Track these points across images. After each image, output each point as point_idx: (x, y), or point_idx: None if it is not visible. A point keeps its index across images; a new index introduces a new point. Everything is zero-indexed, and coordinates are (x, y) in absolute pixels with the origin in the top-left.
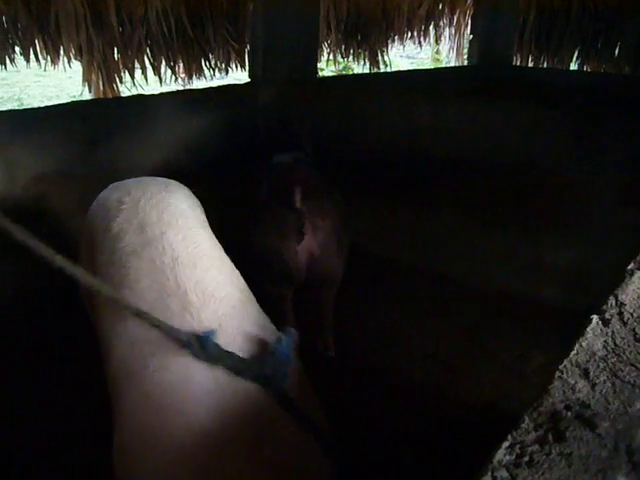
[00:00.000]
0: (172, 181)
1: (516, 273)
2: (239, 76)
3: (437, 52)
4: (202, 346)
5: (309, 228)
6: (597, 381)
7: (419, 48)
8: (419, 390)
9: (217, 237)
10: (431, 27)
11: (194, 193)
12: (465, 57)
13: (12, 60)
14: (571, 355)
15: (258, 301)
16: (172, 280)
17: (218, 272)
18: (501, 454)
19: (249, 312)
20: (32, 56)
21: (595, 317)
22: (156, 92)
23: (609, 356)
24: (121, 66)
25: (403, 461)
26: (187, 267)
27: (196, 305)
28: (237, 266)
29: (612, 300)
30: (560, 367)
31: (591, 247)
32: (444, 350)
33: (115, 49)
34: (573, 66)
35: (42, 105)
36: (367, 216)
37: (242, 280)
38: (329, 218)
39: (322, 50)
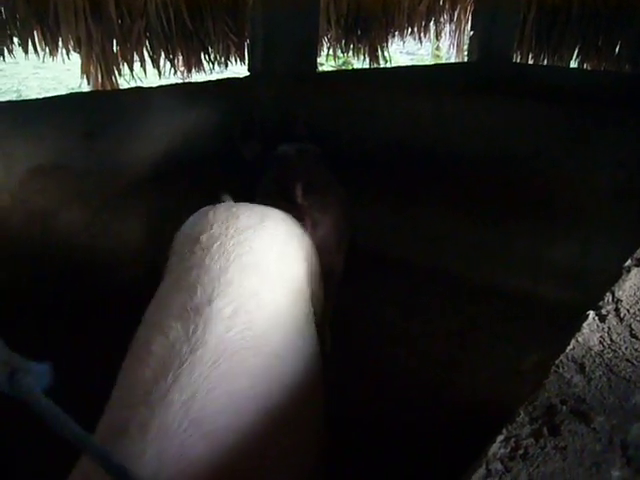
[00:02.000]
0: (270, 215)
1: (514, 269)
2: (238, 70)
3: (437, 48)
4: None
5: (309, 222)
6: (593, 376)
7: (419, 44)
8: (415, 386)
9: None
10: (431, 23)
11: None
12: (465, 54)
13: (10, 51)
14: (567, 350)
15: None
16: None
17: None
18: (496, 447)
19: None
20: (31, 48)
21: (591, 313)
22: (155, 85)
23: (605, 351)
24: (120, 58)
25: (400, 456)
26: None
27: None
28: None
29: (609, 296)
30: (556, 362)
31: (588, 244)
32: (440, 347)
33: (114, 41)
34: (573, 64)
35: (40, 97)
36: (364, 212)
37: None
38: (329, 213)
39: (322, 45)
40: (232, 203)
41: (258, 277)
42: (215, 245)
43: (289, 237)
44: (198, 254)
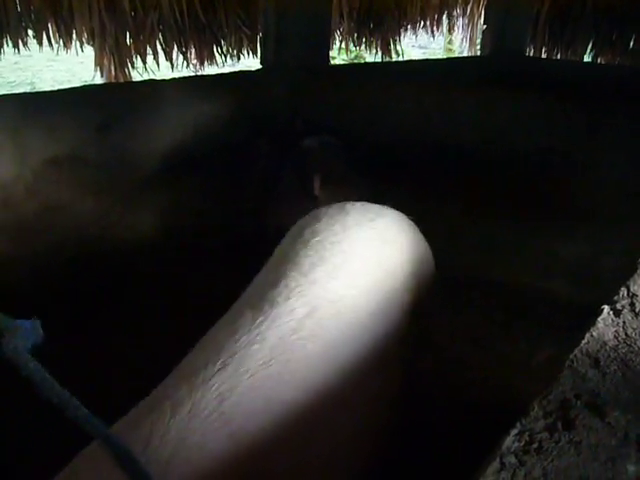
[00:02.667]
0: (384, 215)
1: (525, 265)
2: (251, 63)
3: (450, 42)
4: None
5: None
6: (608, 371)
7: (432, 38)
8: (425, 382)
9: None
10: (444, 17)
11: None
12: (478, 48)
13: (25, 43)
14: (582, 344)
15: None
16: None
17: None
18: (510, 441)
19: None
20: (45, 40)
21: (606, 307)
22: (168, 78)
23: (620, 346)
24: (133, 51)
25: (409, 452)
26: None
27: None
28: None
29: (624, 291)
30: (571, 356)
31: (601, 240)
32: (451, 342)
33: (127, 34)
34: (587, 58)
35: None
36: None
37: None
38: None
39: (334, 38)
40: (352, 202)
41: (346, 281)
42: (313, 240)
43: (395, 241)
44: (296, 248)
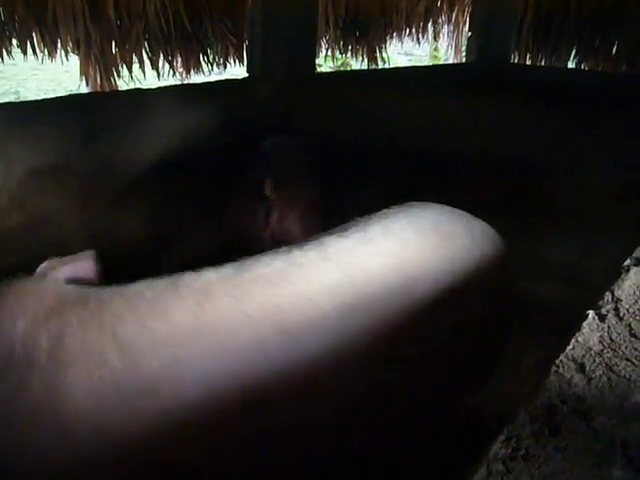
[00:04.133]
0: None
1: (515, 269)
2: (237, 71)
3: (435, 49)
4: None
5: (276, 216)
6: (593, 375)
7: (417, 45)
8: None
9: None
10: (429, 24)
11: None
12: (463, 54)
13: (9, 52)
14: (567, 350)
15: None
16: None
17: None
18: (497, 447)
19: None
20: (29, 49)
21: (591, 312)
22: (154, 87)
23: (605, 351)
24: (119, 60)
25: (397, 457)
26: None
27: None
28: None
29: (608, 296)
30: (556, 362)
31: (587, 244)
32: None
33: (113, 43)
34: (571, 64)
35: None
36: (361, 212)
37: None
38: (299, 208)
39: (320, 46)
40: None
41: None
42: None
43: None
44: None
